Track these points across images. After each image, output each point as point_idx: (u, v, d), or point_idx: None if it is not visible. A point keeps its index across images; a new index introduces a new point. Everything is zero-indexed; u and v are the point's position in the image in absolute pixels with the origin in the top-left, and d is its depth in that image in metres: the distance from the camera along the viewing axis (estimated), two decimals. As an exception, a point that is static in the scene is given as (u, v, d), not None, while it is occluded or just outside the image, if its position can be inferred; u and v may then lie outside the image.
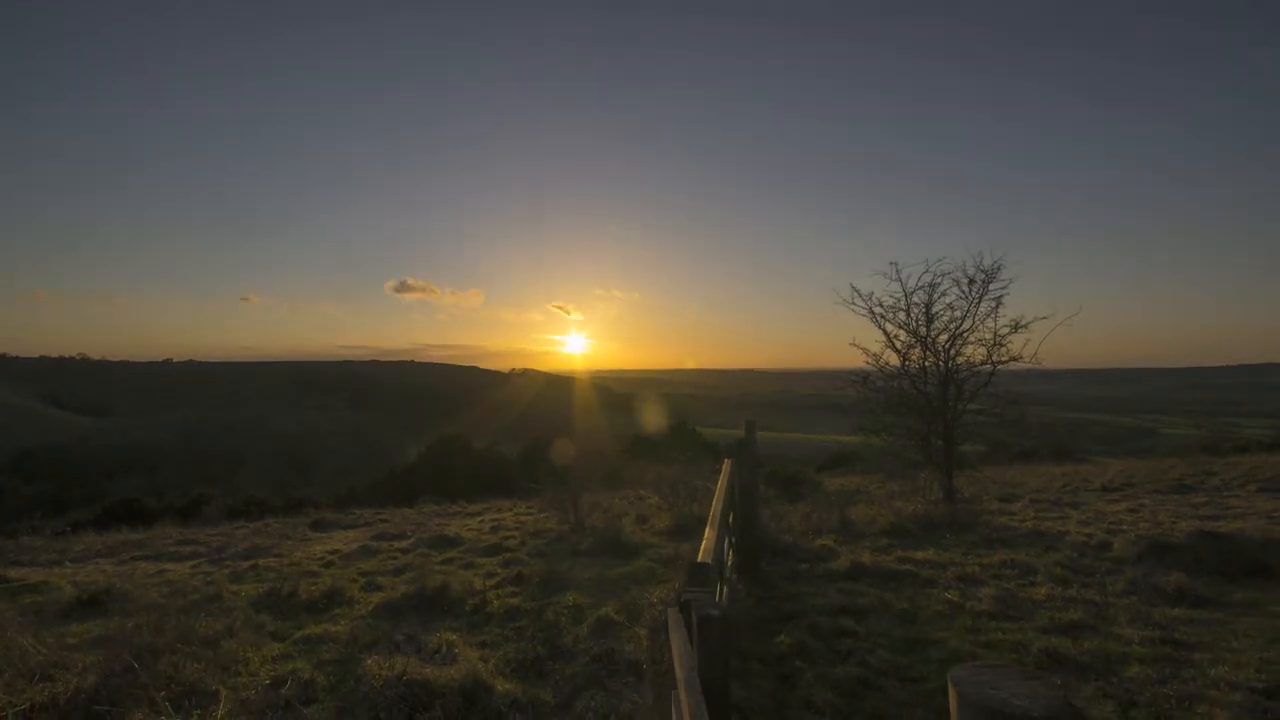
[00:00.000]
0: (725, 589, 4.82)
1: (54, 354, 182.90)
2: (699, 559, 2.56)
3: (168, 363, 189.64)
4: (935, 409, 9.35)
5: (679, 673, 1.60)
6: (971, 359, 9.45)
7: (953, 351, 9.43)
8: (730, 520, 6.05)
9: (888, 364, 9.96)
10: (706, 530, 3.25)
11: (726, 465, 5.99)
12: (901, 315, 9.71)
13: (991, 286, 9.24)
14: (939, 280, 9.46)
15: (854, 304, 10.01)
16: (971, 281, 9.28)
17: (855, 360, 10.40)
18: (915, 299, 9.61)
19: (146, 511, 21.64)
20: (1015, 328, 9.22)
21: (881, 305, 9.84)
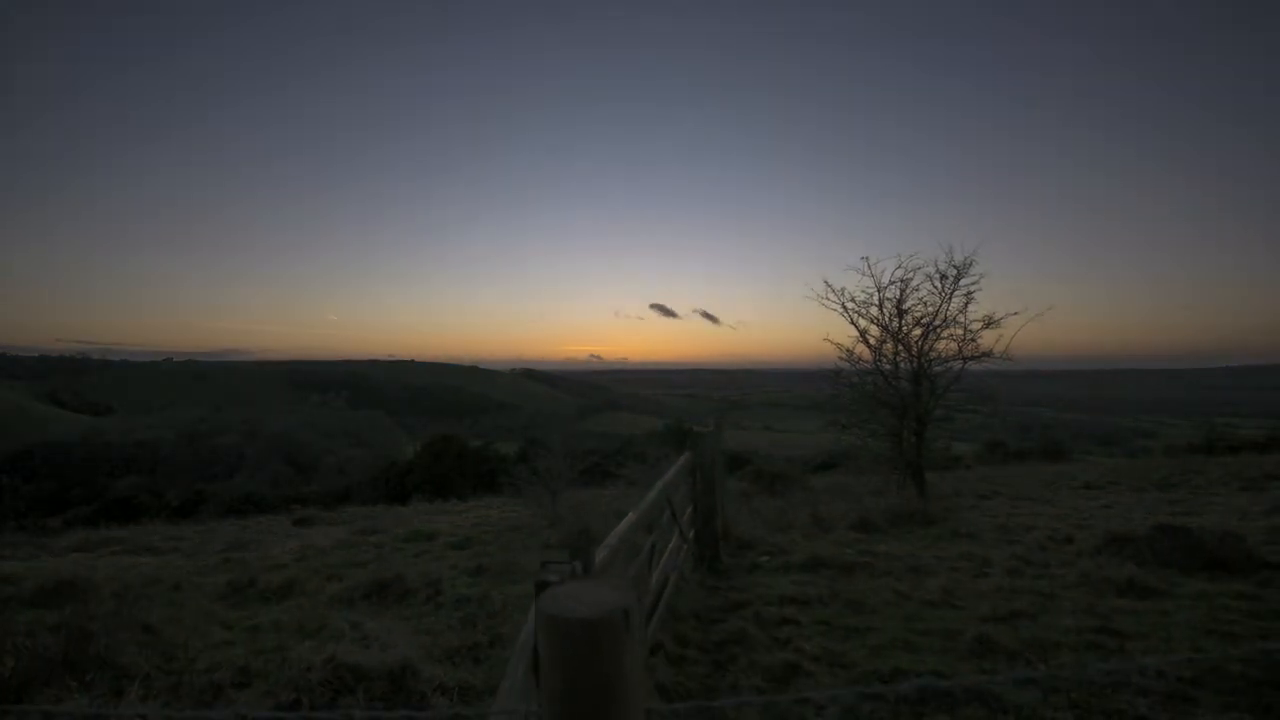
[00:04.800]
0: (673, 577, 4.85)
1: (54, 353, 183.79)
2: (605, 540, 2.59)
3: (168, 361, 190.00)
4: (908, 404, 9.37)
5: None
6: (944, 353, 9.48)
7: (925, 346, 9.45)
8: (689, 513, 6.08)
9: (861, 359, 9.99)
10: (629, 514, 3.28)
11: (685, 457, 6.01)
12: (874, 310, 9.75)
13: (963, 281, 9.29)
14: (910, 275, 9.51)
15: (826, 299, 10.05)
16: (943, 276, 9.32)
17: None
18: (888, 294, 9.65)
19: (140, 509, 21.72)
20: (987, 323, 9.27)
21: (854, 300, 9.88)
